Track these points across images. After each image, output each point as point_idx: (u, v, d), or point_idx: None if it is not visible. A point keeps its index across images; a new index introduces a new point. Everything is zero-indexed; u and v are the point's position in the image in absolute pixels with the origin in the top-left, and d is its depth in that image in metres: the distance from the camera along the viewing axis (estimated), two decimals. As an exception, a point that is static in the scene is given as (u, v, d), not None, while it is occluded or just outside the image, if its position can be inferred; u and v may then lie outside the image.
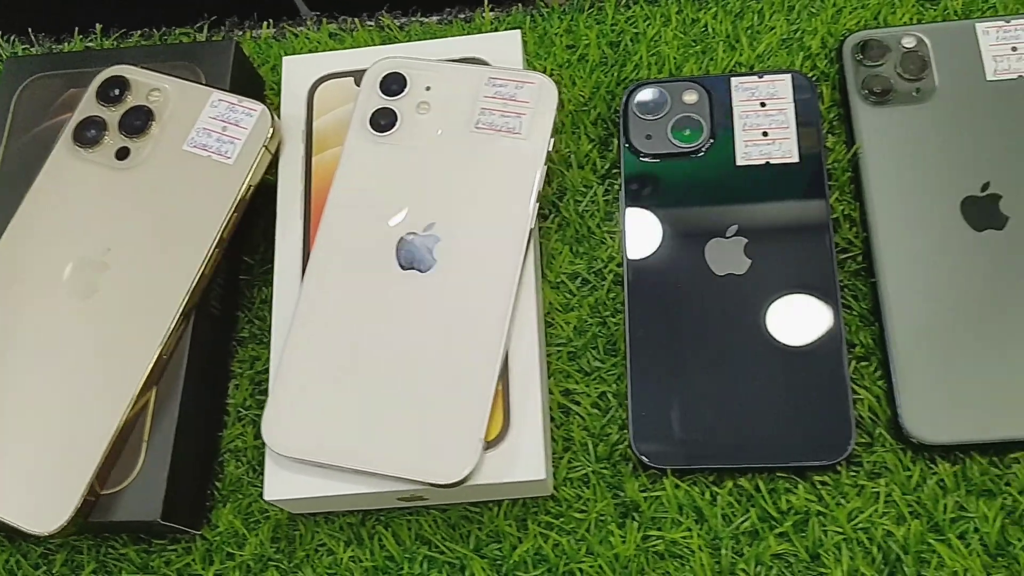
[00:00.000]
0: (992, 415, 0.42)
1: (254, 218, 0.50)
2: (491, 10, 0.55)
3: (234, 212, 0.46)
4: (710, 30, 0.52)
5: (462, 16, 0.56)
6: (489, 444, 0.42)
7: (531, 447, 0.42)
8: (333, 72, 0.50)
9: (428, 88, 0.47)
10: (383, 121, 0.47)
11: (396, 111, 0.47)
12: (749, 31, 0.52)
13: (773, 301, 0.45)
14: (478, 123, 0.46)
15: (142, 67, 0.49)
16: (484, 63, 0.48)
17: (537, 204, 0.45)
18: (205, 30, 0.58)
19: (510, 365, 0.43)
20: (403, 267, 0.44)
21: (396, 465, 0.41)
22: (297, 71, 0.50)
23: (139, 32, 0.59)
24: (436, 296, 0.43)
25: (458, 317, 0.43)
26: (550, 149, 0.46)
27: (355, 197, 0.46)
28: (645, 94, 0.50)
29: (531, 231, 0.44)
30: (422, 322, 0.43)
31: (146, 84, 0.49)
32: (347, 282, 0.44)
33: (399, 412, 0.42)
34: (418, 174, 0.46)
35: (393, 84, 0.47)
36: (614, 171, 0.50)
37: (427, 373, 0.42)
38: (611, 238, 0.49)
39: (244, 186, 0.46)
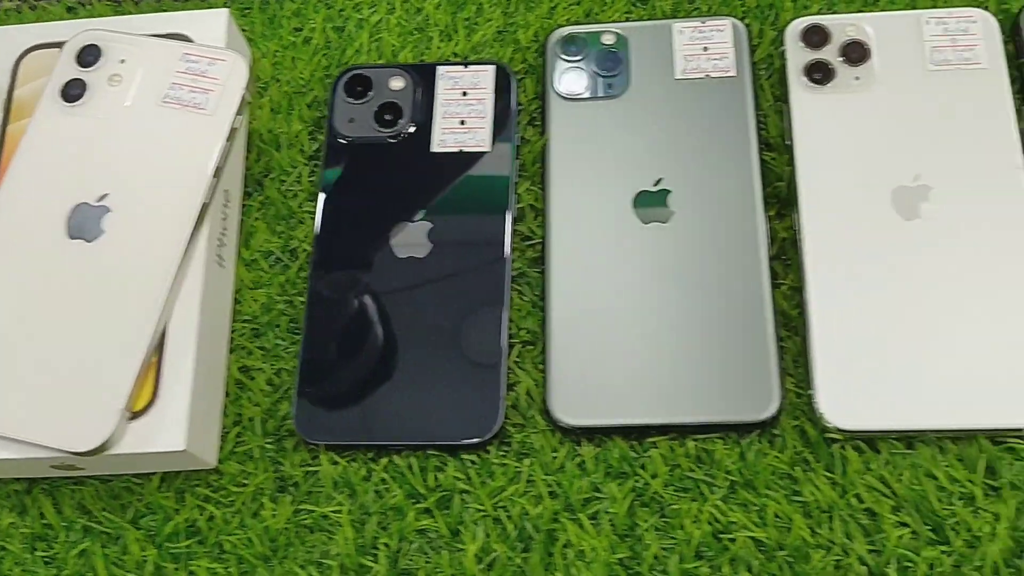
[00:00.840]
0: (630, 401, 0.43)
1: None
2: (227, -10, 0.56)
3: (-86, 177, 0.46)
4: (431, 19, 0.53)
5: (199, -6, 0.57)
6: (135, 414, 0.42)
7: (175, 418, 0.42)
8: (43, 43, 0.50)
9: (123, 61, 0.47)
10: (73, 91, 0.47)
11: (87, 82, 0.47)
12: (467, 22, 0.53)
13: (445, 285, 0.46)
14: (166, 97, 0.46)
15: None
16: (188, 40, 0.49)
17: (216, 180, 0.45)
18: (-52, -2, 0.58)
19: (168, 338, 0.43)
20: (71, 236, 0.44)
21: (33, 431, 0.41)
22: (6, 41, 0.50)
23: None
24: (99, 266, 0.44)
25: (117, 288, 0.43)
26: (236, 126, 0.46)
27: (36, 166, 0.46)
28: (353, 79, 0.51)
29: (205, 206, 0.45)
30: (82, 291, 0.43)
31: None
32: (14, 250, 0.44)
33: (45, 379, 0.42)
34: (100, 145, 0.46)
35: (89, 56, 0.47)
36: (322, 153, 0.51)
37: (79, 342, 0.42)
38: (311, 219, 0.49)
39: (-73, 151, 0.46)
